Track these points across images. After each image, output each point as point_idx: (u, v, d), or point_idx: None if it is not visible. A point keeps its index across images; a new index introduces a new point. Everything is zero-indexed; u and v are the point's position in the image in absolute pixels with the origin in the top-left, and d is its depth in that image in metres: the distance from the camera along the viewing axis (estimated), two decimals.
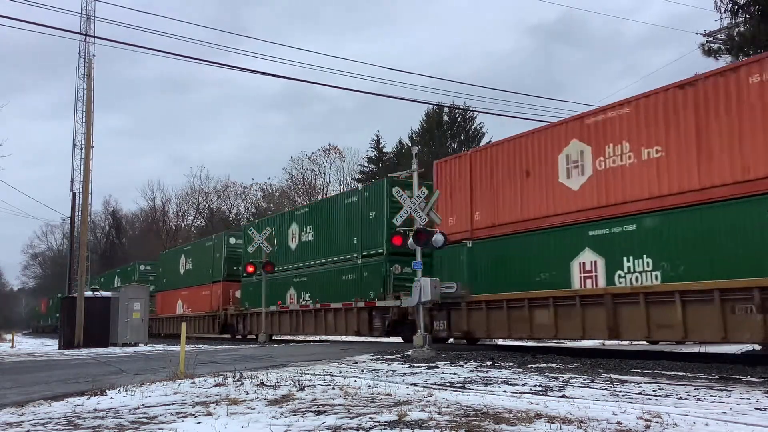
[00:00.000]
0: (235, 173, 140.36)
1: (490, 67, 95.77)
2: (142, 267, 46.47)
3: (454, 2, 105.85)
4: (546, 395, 7.57)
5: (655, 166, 12.36)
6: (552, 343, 17.22)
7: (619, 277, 12.72)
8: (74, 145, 29.87)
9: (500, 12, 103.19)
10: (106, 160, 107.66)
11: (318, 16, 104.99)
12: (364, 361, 13.12)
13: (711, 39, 21.47)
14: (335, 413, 6.20)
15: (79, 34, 27.18)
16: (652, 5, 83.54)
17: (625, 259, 12.63)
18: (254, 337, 26.62)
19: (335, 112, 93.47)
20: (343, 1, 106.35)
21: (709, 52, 21.40)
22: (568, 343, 16.42)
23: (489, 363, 12.22)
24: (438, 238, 14.93)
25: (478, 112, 42.95)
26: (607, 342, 17.78)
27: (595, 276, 13.14)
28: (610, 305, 12.83)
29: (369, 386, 8.39)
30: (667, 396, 7.51)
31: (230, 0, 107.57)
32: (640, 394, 7.71)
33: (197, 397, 7.64)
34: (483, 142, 47.97)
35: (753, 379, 9.31)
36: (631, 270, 12.49)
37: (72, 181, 29.77)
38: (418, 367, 11.61)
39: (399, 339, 20.03)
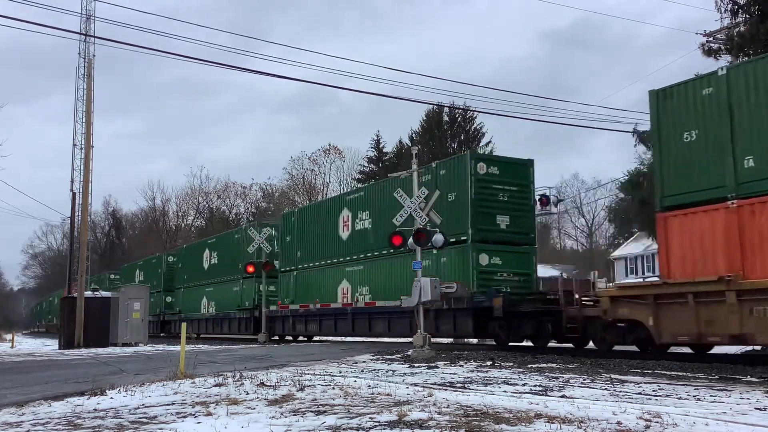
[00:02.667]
0: (245, 175, 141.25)
1: (504, 68, 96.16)
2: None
3: (470, 7, 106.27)
4: (546, 395, 7.58)
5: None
6: (552, 343, 17.38)
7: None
8: (74, 145, 29.65)
9: (515, 17, 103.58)
10: (115, 162, 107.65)
11: (340, 21, 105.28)
12: (364, 361, 13.14)
13: (711, 39, 21.42)
14: (335, 413, 6.20)
15: (79, 34, 27.13)
16: (666, 10, 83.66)
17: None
18: None
19: (345, 114, 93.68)
20: (363, 7, 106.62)
21: (708, 52, 21.34)
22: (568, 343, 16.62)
23: (489, 363, 12.23)
24: (438, 238, 14.84)
25: (478, 112, 42.66)
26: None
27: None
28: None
29: (369, 386, 8.39)
30: (667, 396, 7.52)
31: (256, 7, 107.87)
32: (640, 394, 7.72)
33: (197, 397, 7.64)
34: (483, 143, 47.97)
35: (753, 379, 9.32)
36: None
37: (72, 181, 29.60)
38: (418, 367, 11.61)
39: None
